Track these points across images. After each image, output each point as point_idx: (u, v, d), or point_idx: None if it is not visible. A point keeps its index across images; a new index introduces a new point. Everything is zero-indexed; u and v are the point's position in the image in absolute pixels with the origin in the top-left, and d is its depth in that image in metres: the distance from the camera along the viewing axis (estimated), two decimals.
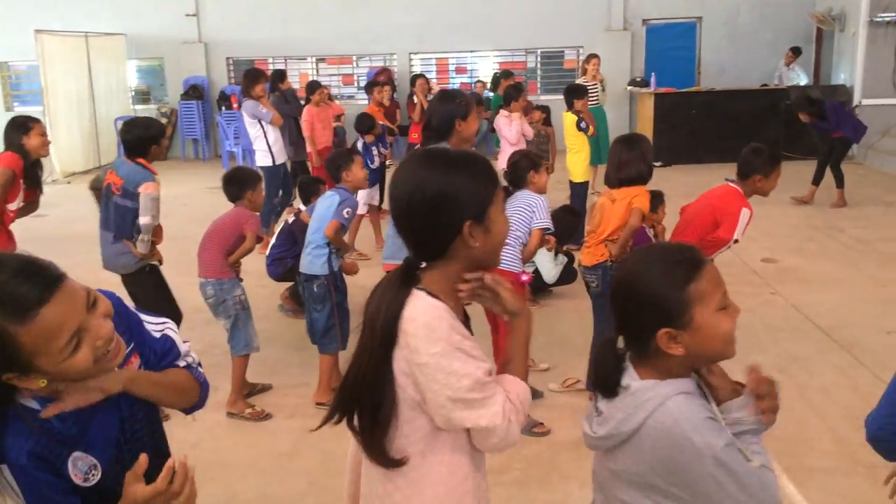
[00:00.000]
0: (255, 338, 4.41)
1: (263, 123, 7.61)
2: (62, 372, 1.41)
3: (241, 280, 4.44)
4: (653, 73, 13.33)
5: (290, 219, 5.38)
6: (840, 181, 9.19)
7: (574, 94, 7.63)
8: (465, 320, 1.69)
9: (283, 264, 5.33)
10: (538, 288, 6.14)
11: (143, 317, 1.71)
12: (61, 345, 1.37)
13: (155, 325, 1.72)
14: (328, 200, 4.49)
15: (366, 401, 1.58)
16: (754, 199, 4.09)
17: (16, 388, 1.44)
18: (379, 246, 7.72)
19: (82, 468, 1.50)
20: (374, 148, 7.76)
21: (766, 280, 6.46)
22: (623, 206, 4.08)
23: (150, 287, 4.44)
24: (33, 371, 1.39)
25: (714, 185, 4.32)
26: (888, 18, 12.15)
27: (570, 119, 7.62)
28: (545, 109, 10.64)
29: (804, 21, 14.05)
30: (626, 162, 4.11)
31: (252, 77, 7.70)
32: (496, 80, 8.91)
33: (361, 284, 6.34)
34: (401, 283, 1.60)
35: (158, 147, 4.42)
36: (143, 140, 4.31)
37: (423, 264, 1.64)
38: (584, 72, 10.00)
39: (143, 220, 4.24)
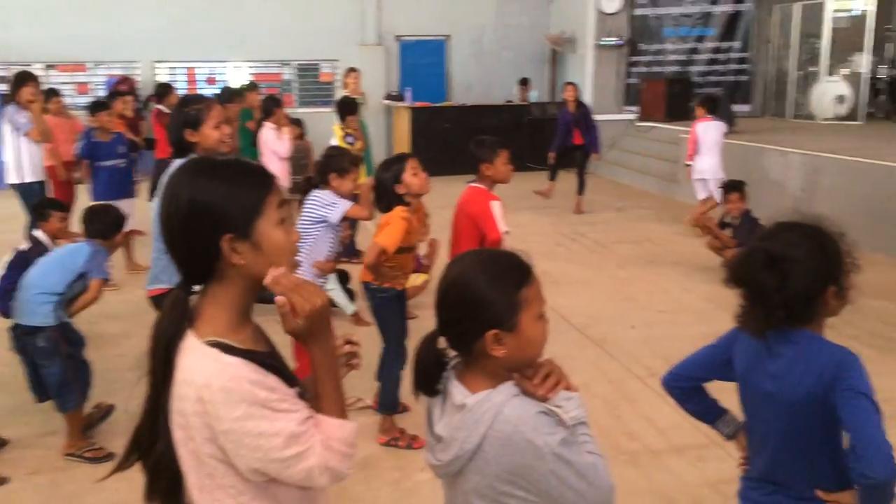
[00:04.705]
0: None
1: (20, 134, 6.68)
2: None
3: None
4: (408, 88, 13.71)
5: (24, 246, 4.72)
6: (581, 188, 10.08)
7: (345, 108, 7.80)
8: (270, 349, 1.53)
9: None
10: None
11: None
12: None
13: None
14: (72, 251, 4.03)
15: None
16: (511, 210, 4.23)
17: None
18: (129, 269, 7.17)
19: None
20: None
21: None
22: (379, 230, 4.00)
23: None
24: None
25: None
26: (611, 42, 13.55)
27: (339, 132, 7.78)
28: (299, 123, 10.53)
29: (540, 43, 15.25)
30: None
31: (19, 80, 6.70)
32: (241, 92, 8.69)
33: (112, 314, 5.81)
34: (172, 318, 1.43)
35: None
36: None
37: (196, 288, 1.47)
38: (346, 85, 10.01)
39: None
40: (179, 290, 1.46)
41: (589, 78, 13.77)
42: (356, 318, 5.89)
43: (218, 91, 9.82)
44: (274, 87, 14.58)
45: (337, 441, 1.45)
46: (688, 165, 8.60)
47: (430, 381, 1.65)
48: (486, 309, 1.55)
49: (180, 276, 1.47)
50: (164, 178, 3.52)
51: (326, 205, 4.14)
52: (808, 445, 1.89)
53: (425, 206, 4.28)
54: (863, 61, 12.16)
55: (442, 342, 1.64)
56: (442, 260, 5.14)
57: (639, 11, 13.64)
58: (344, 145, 7.63)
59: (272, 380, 1.40)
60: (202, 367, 1.37)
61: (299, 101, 15.03)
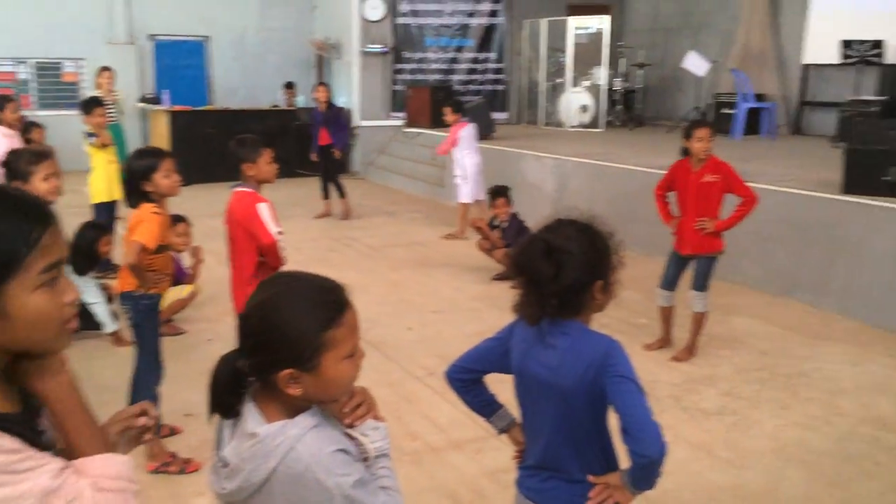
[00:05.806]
0: None
1: None
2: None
3: None
4: (165, 91, 12.92)
5: None
6: (340, 191, 10.07)
7: (85, 105, 7.15)
8: (22, 409, 1.26)
9: None
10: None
11: None
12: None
13: None
14: None
15: None
16: (282, 217, 4.05)
17: None
18: None
19: None
20: None
21: None
22: (131, 231, 3.70)
23: None
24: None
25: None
26: (376, 50, 13.74)
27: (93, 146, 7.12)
28: (39, 126, 9.51)
29: (306, 47, 15.08)
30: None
31: None
32: None
33: None
34: None
35: None
36: None
37: None
38: (99, 86, 9.21)
39: None
40: None
41: (356, 84, 13.86)
42: (116, 338, 5.42)
43: None
44: (7, 87, 13.07)
45: (110, 479, 1.25)
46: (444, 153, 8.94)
47: (227, 404, 1.52)
48: (283, 346, 1.44)
49: None
50: None
51: None
52: (578, 432, 2.00)
53: (167, 208, 3.97)
54: (601, 74, 13.42)
55: (242, 363, 1.52)
56: (211, 270, 4.87)
57: (401, 20, 13.98)
58: (93, 150, 7.04)
59: (12, 441, 1.18)
60: None
61: (39, 103, 13.60)
